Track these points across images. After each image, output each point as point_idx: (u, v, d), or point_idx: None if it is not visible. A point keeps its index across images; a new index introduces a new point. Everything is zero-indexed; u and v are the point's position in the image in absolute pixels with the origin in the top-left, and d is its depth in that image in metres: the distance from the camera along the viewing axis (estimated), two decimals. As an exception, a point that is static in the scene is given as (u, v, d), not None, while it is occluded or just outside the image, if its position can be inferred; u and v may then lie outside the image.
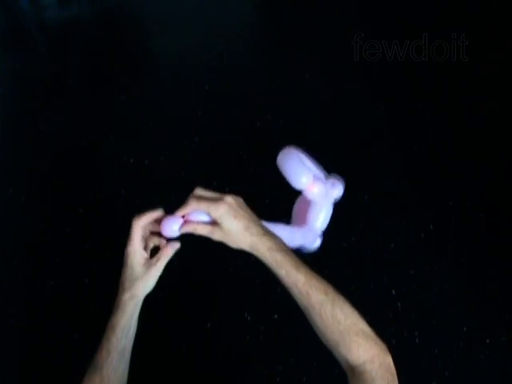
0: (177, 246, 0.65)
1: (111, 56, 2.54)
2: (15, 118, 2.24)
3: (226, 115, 2.14)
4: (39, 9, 2.96)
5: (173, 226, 0.65)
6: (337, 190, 0.79)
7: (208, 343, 1.43)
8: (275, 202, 1.73)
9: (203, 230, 0.64)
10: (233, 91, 2.28)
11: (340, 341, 0.61)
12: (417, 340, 1.44)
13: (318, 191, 0.77)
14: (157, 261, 0.64)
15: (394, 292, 1.55)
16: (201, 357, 1.40)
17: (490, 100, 2.25)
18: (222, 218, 0.62)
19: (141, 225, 0.64)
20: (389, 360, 0.62)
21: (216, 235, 0.64)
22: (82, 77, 2.44)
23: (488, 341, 1.44)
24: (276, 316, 1.47)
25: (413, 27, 2.64)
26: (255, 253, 0.64)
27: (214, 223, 0.64)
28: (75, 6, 3.02)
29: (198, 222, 0.65)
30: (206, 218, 0.65)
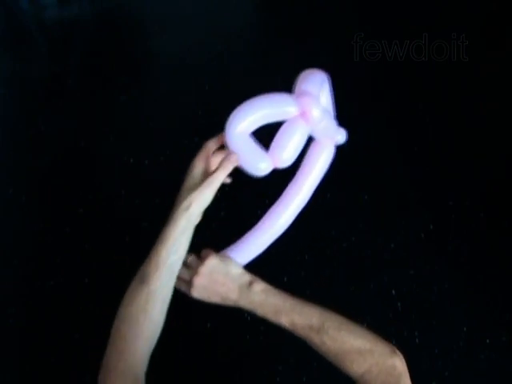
0: (235, 160, 0.63)
1: (111, 56, 2.54)
2: (15, 118, 2.25)
3: (226, 115, 2.14)
4: (39, 9, 2.95)
5: None
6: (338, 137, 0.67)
7: (208, 343, 1.43)
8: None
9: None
10: (233, 91, 2.28)
11: (336, 361, 0.63)
12: (417, 340, 1.44)
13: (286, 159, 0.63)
14: (214, 171, 0.62)
15: (393, 292, 1.55)
16: (201, 357, 1.40)
17: (490, 100, 2.25)
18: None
19: (214, 146, 0.67)
20: (391, 362, 0.61)
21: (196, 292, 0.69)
22: (81, 77, 2.44)
23: (488, 341, 1.44)
24: (276, 316, 1.47)
25: (413, 27, 2.64)
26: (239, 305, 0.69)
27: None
28: (75, 6, 3.01)
29: None
30: None
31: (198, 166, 0.65)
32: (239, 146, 0.62)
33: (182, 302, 1.60)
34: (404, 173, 1.93)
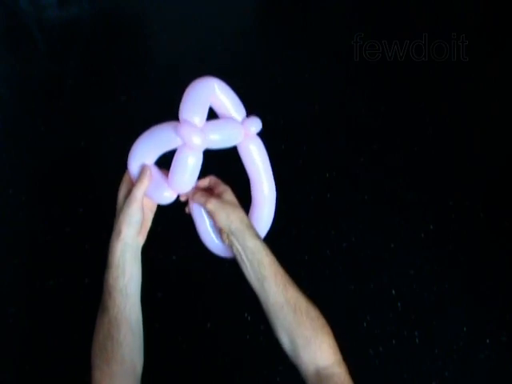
0: (149, 173, 0.65)
1: (111, 56, 2.54)
2: (15, 118, 2.24)
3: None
4: (39, 9, 2.95)
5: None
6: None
7: (208, 343, 1.43)
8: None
9: (200, 198, 0.68)
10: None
11: (312, 338, 0.62)
12: (417, 340, 1.44)
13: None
14: (133, 189, 0.64)
15: (393, 292, 1.55)
16: (201, 357, 1.40)
17: (490, 100, 2.25)
18: (226, 193, 0.69)
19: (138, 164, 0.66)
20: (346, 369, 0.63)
21: (211, 204, 0.67)
22: (81, 77, 2.44)
23: (488, 341, 1.44)
24: (276, 316, 1.47)
25: (413, 27, 2.65)
26: (239, 236, 0.66)
27: (213, 194, 0.69)
28: (75, 6, 3.01)
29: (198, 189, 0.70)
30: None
31: (121, 192, 0.66)
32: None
33: (181, 303, 1.60)
34: (404, 173, 1.93)
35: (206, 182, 0.74)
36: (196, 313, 1.49)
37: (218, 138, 0.65)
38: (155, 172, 0.66)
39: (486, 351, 1.43)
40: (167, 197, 0.66)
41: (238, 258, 0.67)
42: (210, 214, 0.69)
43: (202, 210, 0.72)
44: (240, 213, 0.68)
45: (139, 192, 0.63)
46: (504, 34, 2.68)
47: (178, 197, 0.70)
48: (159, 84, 2.34)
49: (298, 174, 1.87)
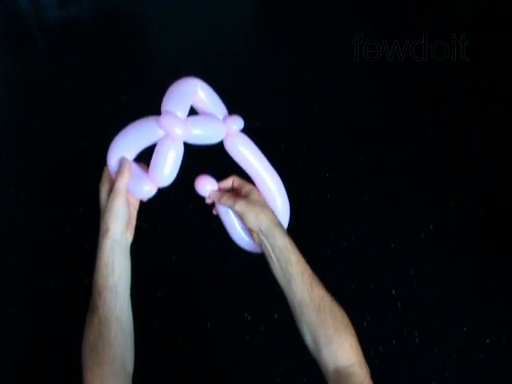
0: (129, 164, 0.64)
1: (111, 56, 2.54)
2: (15, 118, 2.24)
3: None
4: (39, 9, 2.95)
5: (206, 186, 0.70)
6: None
7: (208, 343, 1.43)
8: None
9: (227, 201, 0.69)
10: (233, 91, 2.28)
11: (334, 337, 0.62)
12: (417, 340, 1.44)
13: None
14: (114, 183, 0.63)
15: (393, 292, 1.55)
16: (201, 357, 1.40)
17: (489, 100, 2.25)
18: (252, 193, 0.70)
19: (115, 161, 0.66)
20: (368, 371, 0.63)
21: (239, 205, 0.67)
22: (81, 77, 2.44)
23: (488, 341, 1.44)
24: (276, 316, 1.47)
25: (413, 27, 2.65)
26: (268, 235, 0.66)
27: (239, 195, 0.71)
28: (75, 6, 3.01)
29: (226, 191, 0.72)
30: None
31: (103, 190, 0.65)
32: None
33: (181, 303, 1.60)
34: (404, 173, 1.93)
35: (228, 183, 0.74)
36: (196, 313, 1.49)
37: (200, 131, 0.65)
38: (134, 166, 0.66)
39: (486, 351, 1.43)
40: (147, 191, 0.66)
41: (267, 255, 0.67)
42: (239, 215, 0.69)
43: (230, 211, 0.72)
44: (269, 212, 0.68)
45: (121, 184, 0.62)
46: (504, 34, 2.68)
47: (203, 197, 0.72)
48: (159, 84, 2.33)
49: (298, 173, 1.87)
